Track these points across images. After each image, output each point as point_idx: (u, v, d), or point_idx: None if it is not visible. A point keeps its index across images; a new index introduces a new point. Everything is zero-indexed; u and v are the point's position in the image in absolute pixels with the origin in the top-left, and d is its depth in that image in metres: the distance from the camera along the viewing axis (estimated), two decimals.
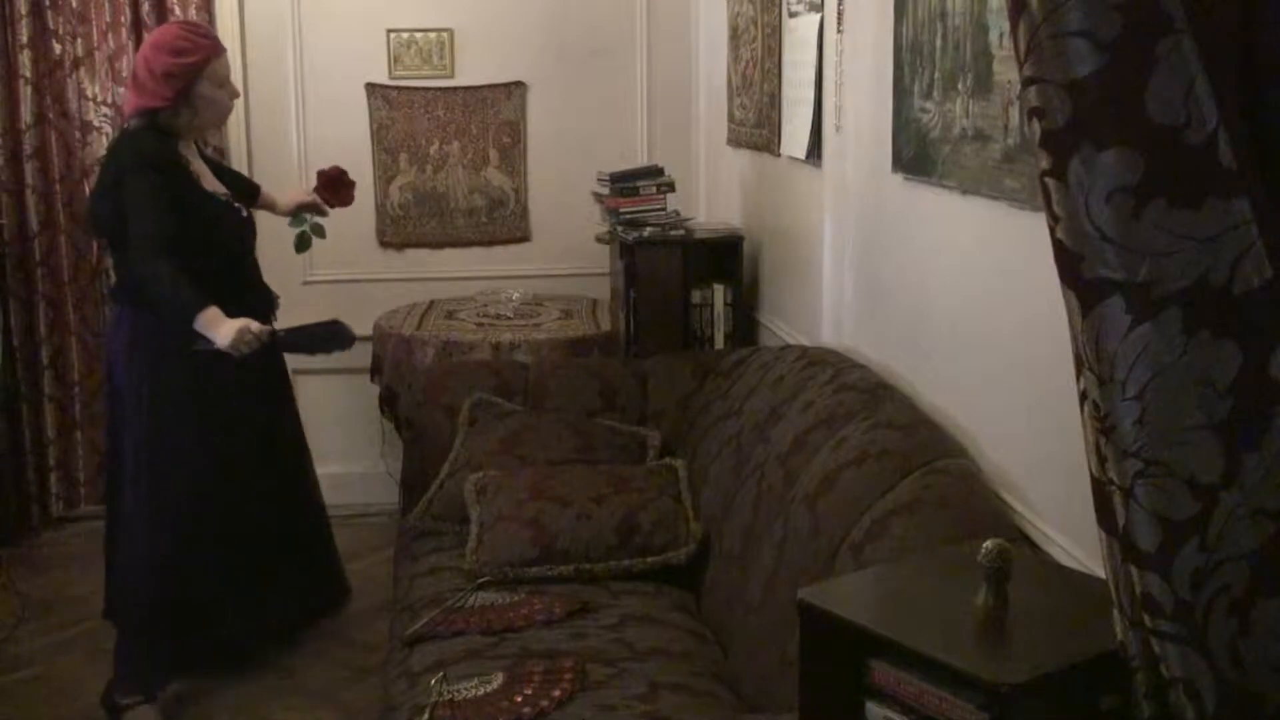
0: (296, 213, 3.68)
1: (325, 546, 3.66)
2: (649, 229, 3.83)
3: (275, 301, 3.45)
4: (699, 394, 3.43)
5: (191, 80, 3.14)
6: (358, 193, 4.62)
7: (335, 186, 3.65)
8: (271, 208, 3.68)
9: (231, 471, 3.30)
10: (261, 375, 3.34)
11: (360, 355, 4.30)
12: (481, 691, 2.29)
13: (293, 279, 4.32)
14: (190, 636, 3.32)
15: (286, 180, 4.57)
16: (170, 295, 3.02)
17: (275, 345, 3.19)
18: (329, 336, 3.30)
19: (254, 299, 3.30)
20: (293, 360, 4.50)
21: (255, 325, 3.05)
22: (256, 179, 4.55)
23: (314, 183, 3.70)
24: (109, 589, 3.40)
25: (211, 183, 3.29)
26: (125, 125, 3.35)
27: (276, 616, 3.52)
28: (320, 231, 3.72)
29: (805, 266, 3.41)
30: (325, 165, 3.72)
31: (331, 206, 3.68)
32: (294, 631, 3.63)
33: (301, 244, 3.70)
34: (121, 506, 3.27)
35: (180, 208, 3.09)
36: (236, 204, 3.35)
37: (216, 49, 3.22)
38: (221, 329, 3.00)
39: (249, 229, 3.40)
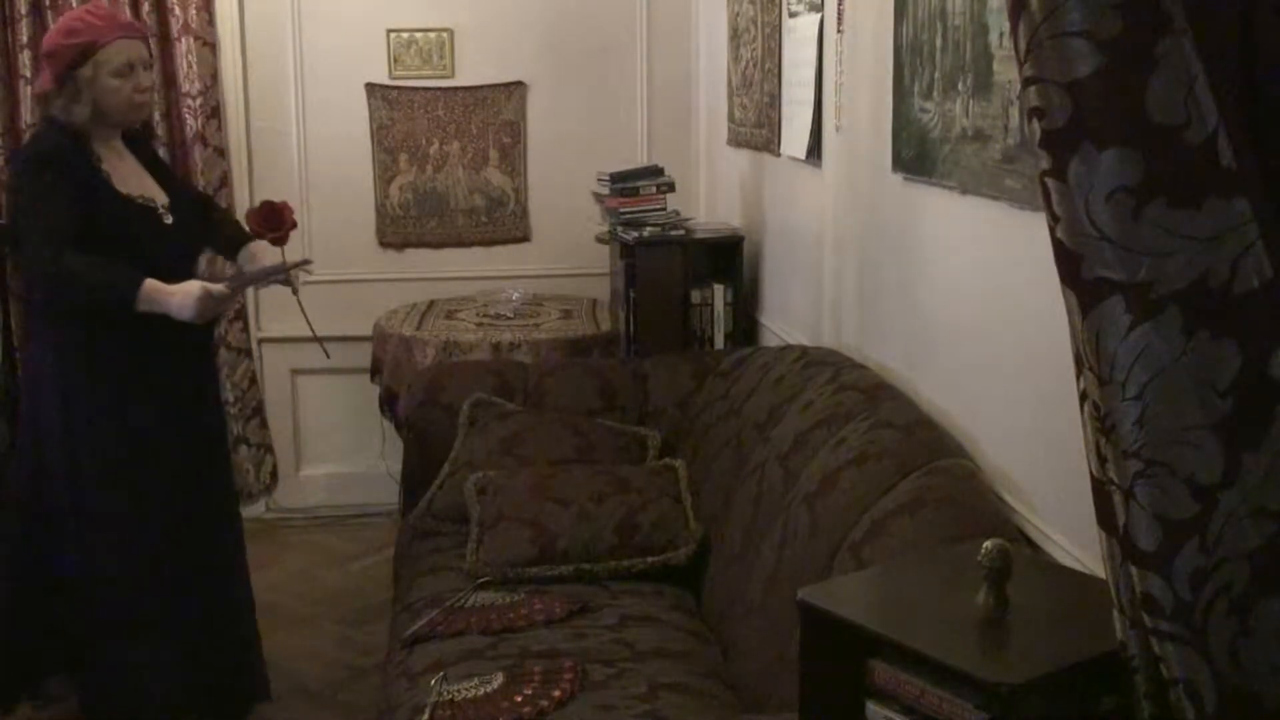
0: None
1: (248, 632, 3.20)
2: (649, 229, 3.83)
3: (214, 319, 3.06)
4: (699, 394, 3.43)
5: (74, 64, 2.79)
6: (359, 194, 4.66)
7: (270, 220, 3.11)
8: (251, 261, 3.16)
9: (166, 513, 2.95)
10: (195, 433, 3.03)
11: (360, 355, 4.31)
12: (481, 692, 2.29)
13: None
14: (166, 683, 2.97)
15: (285, 181, 4.57)
16: (94, 285, 2.73)
17: (234, 293, 2.92)
18: (283, 275, 3.00)
19: (166, 320, 2.81)
20: (293, 360, 4.55)
21: (211, 285, 2.78)
22: (256, 179, 4.59)
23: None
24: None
25: (134, 184, 2.93)
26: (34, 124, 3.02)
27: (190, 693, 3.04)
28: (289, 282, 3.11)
29: (805, 266, 3.41)
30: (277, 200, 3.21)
31: (255, 234, 3.13)
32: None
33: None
34: (53, 545, 2.92)
35: (83, 207, 2.77)
36: (164, 210, 2.96)
37: (110, 32, 2.83)
38: (174, 299, 2.73)
39: (177, 240, 2.98)
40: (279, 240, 3.11)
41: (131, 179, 2.94)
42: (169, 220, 2.96)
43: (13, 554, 3.01)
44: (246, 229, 3.15)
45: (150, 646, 2.93)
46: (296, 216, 3.18)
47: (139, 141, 3.09)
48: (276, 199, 3.19)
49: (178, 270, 2.89)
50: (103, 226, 2.80)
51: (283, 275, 3.02)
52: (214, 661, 3.07)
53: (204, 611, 3.03)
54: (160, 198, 2.98)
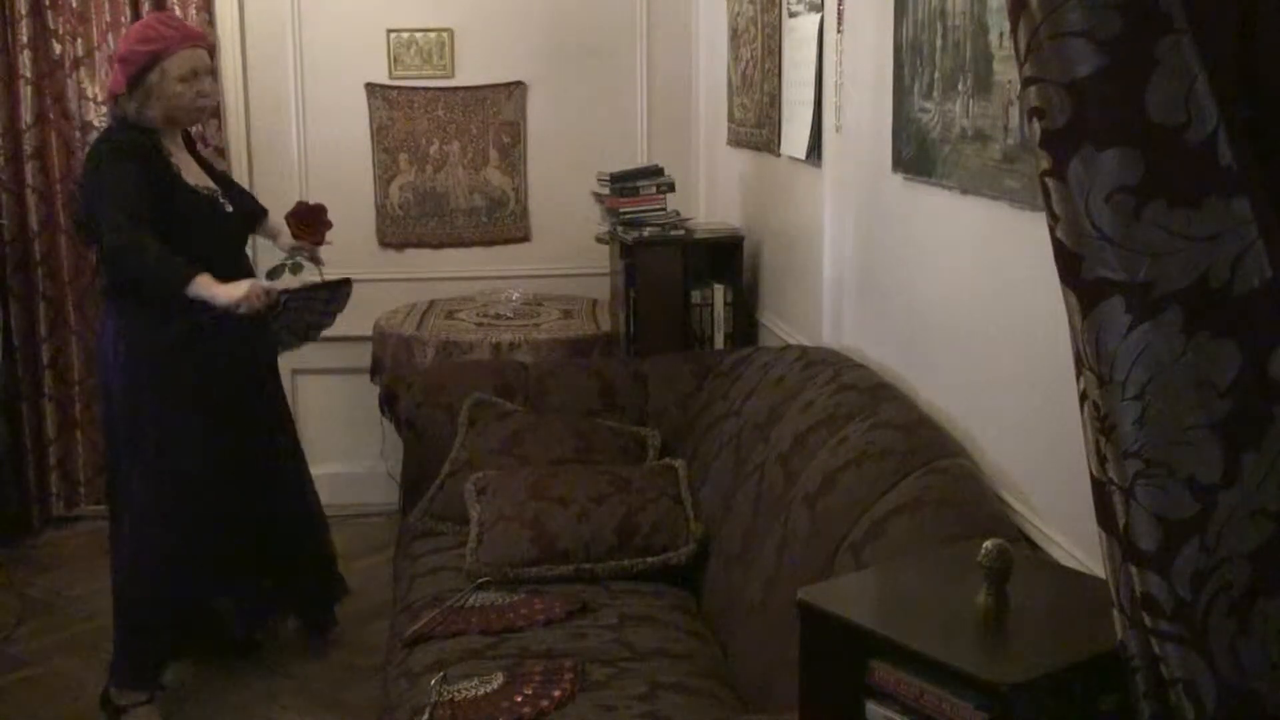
0: (292, 251, 3.54)
1: (320, 541, 3.63)
2: (649, 229, 3.83)
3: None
4: (699, 394, 3.43)
5: (146, 68, 3.11)
6: (359, 194, 4.67)
7: (307, 220, 3.47)
8: (274, 237, 3.60)
9: (225, 465, 3.29)
10: (253, 368, 3.37)
11: (360, 355, 4.31)
12: (481, 692, 2.29)
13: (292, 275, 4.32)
14: (189, 631, 3.34)
15: (285, 181, 4.58)
16: (156, 264, 3.00)
17: (282, 306, 3.18)
18: (331, 296, 3.34)
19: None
20: (292, 359, 4.54)
21: (261, 282, 3.09)
22: (256, 179, 4.59)
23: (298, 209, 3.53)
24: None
25: (196, 176, 3.27)
26: (106, 122, 3.38)
27: (273, 609, 3.56)
28: (297, 269, 3.55)
29: (805, 266, 3.41)
30: (312, 201, 3.56)
31: (295, 236, 3.48)
32: (290, 625, 3.65)
33: (273, 273, 3.52)
34: (121, 504, 3.27)
35: (158, 197, 3.08)
36: (223, 199, 3.31)
37: (180, 41, 3.16)
38: (221, 289, 3.01)
39: (234, 224, 3.37)
40: (316, 242, 3.48)
41: (194, 172, 3.28)
42: (229, 208, 3.32)
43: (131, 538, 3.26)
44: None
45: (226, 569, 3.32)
46: (330, 217, 3.50)
47: (189, 141, 3.41)
48: (312, 200, 3.54)
49: (237, 249, 3.36)
50: (178, 215, 3.12)
51: (326, 295, 3.36)
52: (297, 570, 3.54)
53: (280, 527, 3.46)
54: (215, 187, 3.32)
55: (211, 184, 3.32)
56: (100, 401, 3.48)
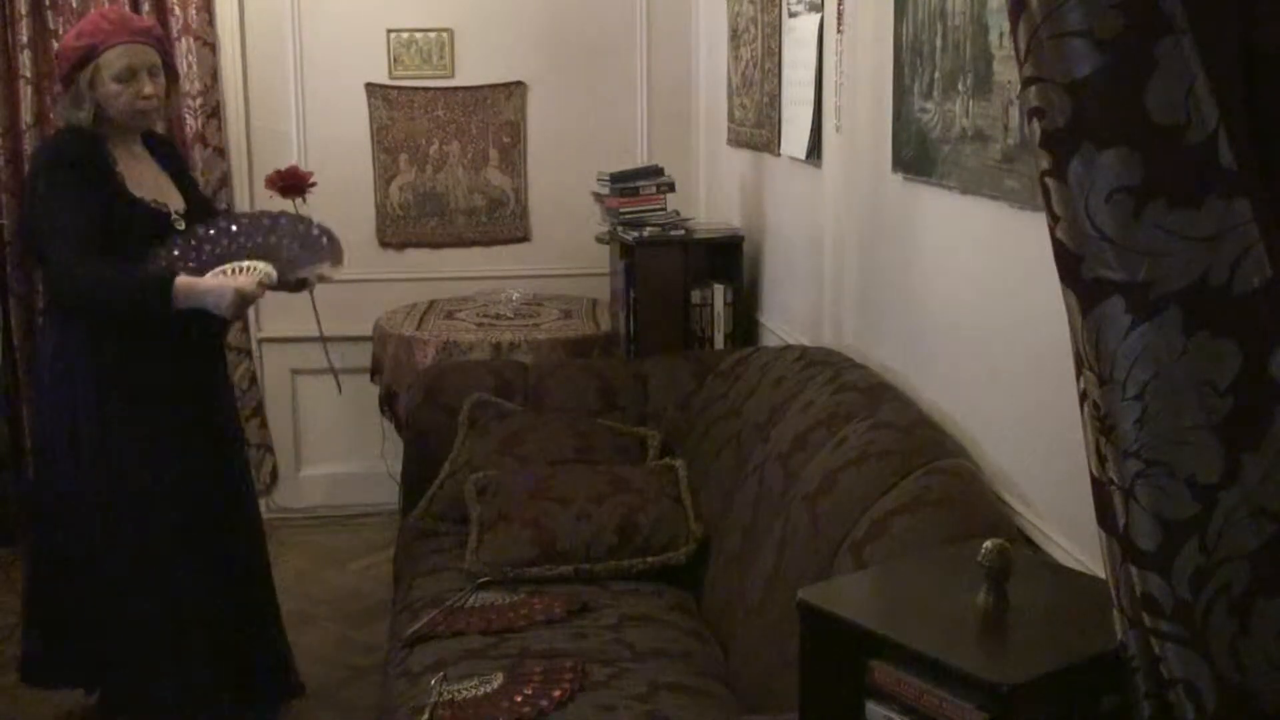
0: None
1: (276, 629, 3.26)
2: (649, 229, 3.83)
3: (224, 324, 3.07)
4: (699, 394, 3.43)
5: (77, 66, 2.81)
6: (359, 194, 4.66)
7: (291, 183, 3.23)
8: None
9: (175, 531, 2.93)
10: (203, 390, 3.06)
11: (360, 355, 4.31)
12: (481, 691, 2.29)
13: None
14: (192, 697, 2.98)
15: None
16: (128, 286, 2.76)
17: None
18: (317, 245, 3.00)
19: (194, 320, 2.86)
20: (293, 360, 4.55)
21: (243, 281, 2.80)
22: (256, 179, 4.58)
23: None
24: (54, 648, 3.06)
25: (149, 188, 2.93)
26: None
27: (218, 693, 3.03)
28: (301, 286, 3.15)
29: (805, 266, 3.41)
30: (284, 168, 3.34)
31: (281, 194, 3.22)
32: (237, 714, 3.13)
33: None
34: (68, 549, 2.94)
35: (95, 208, 2.79)
36: (176, 214, 2.95)
37: (115, 36, 2.83)
38: (210, 295, 2.76)
39: None
40: (292, 193, 3.17)
41: (147, 182, 2.95)
42: (181, 227, 2.95)
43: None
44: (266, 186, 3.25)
45: (170, 646, 2.95)
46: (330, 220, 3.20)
47: (163, 147, 3.12)
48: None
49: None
50: (112, 227, 2.81)
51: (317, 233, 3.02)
52: (242, 659, 3.10)
53: (229, 610, 3.05)
54: (176, 203, 2.99)
55: (168, 198, 2.98)
56: (38, 420, 3.13)
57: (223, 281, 2.81)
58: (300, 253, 2.98)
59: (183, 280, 2.77)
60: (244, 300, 2.84)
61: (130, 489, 2.89)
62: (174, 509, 2.93)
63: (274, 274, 2.88)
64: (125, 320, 2.84)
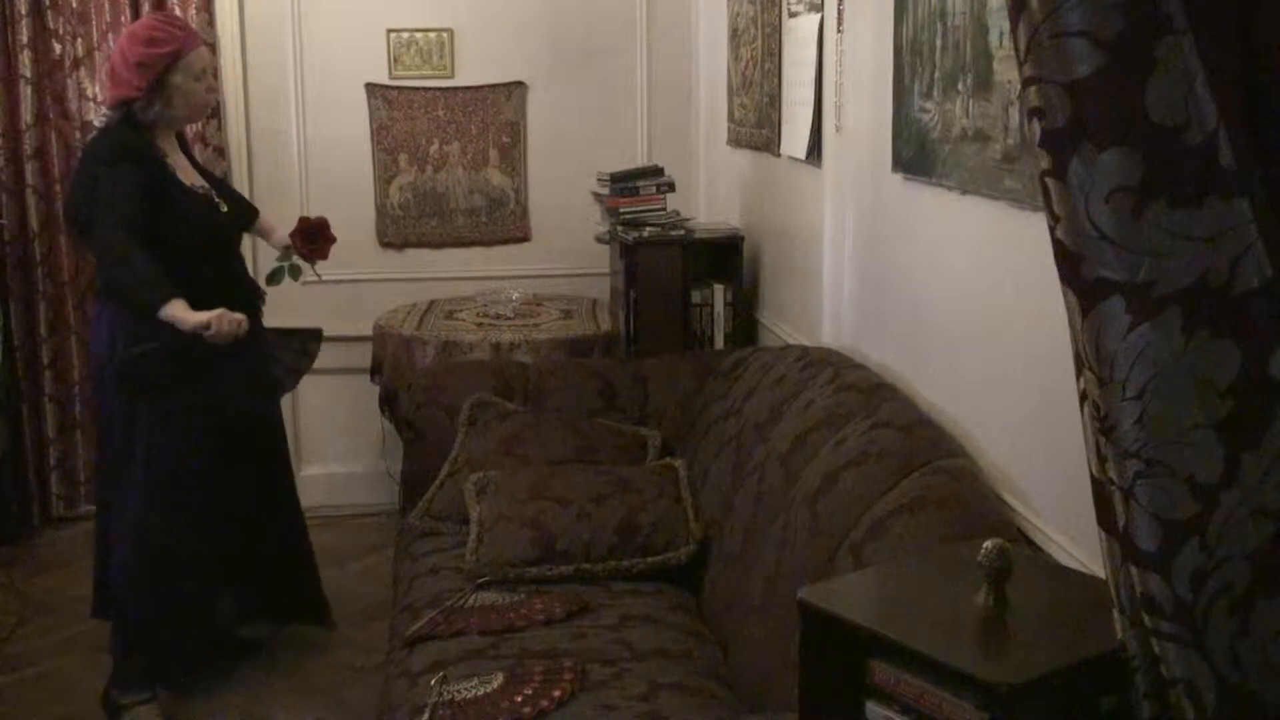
0: (285, 249, 3.54)
1: (304, 558, 3.60)
2: (649, 229, 3.83)
3: (260, 295, 3.42)
4: (699, 394, 3.43)
5: (164, 70, 3.14)
6: (359, 194, 4.67)
7: (312, 236, 3.48)
8: (265, 235, 3.62)
9: (219, 465, 3.28)
10: (246, 370, 3.32)
11: (360, 355, 4.31)
12: (481, 692, 2.29)
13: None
14: (187, 630, 3.33)
15: (285, 181, 4.59)
16: (138, 283, 3.02)
17: (254, 333, 3.21)
18: (303, 349, 3.45)
19: (237, 293, 3.25)
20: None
21: (232, 314, 3.06)
22: (256, 179, 4.59)
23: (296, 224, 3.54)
24: (98, 588, 3.40)
25: (191, 177, 3.29)
26: (104, 120, 3.39)
27: (266, 611, 3.59)
28: (295, 273, 3.53)
29: (805, 266, 3.41)
30: (313, 215, 3.56)
31: (303, 256, 3.49)
32: (280, 627, 3.66)
33: (273, 278, 3.50)
34: (115, 504, 3.27)
35: (154, 200, 3.10)
36: (218, 199, 3.33)
37: (191, 40, 3.23)
38: (191, 315, 3.00)
39: (229, 223, 3.37)
40: (322, 257, 3.50)
41: (188, 172, 3.31)
42: (224, 208, 3.34)
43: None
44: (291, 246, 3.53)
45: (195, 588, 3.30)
46: (330, 220, 3.53)
47: (182, 141, 3.41)
48: (313, 215, 3.54)
49: (231, 248, 3.39)
50: (174, 215, 3.14)
51: (298, 346, 3.52)
52: (276, 596, 3.55)
53: (264, 550, 3.45)
54: (202, 185, 3.33)
55: (205, 184, 3.34)
56: (94, 397, 3.50)
57: (223, 311, 3.04)
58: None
59: (178, 304, 3.00)
60: (226, 319, 3.04)
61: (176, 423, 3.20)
62: (213, 422, 3.25)
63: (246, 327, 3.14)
64: (124, 303, 3.10)
